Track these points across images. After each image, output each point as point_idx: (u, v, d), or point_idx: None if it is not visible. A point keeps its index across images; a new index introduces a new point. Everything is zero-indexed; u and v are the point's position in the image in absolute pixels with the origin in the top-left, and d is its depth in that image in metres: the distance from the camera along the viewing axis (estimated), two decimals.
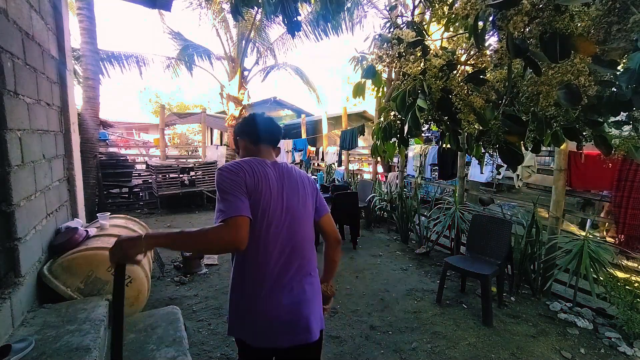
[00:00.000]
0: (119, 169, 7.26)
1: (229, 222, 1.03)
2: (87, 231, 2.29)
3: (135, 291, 2.25)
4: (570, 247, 2.94)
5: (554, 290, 3.29)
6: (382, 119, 1.86)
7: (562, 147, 2.95)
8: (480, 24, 1.08)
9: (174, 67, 8.76)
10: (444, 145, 4.75)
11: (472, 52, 1.45)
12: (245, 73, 8.64)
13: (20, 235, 1.69)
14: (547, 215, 3.39)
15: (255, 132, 1.32)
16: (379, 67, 1.67)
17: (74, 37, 4.23)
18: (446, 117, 1.50)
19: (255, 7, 4.98)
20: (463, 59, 1.48)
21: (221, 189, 1.10)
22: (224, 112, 9.42)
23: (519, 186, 4.12)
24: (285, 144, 9.45)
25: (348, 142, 7.00)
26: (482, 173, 4.70)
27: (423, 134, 4.74)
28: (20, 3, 1.82)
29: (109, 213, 2.85)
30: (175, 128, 18.73)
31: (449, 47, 1.54)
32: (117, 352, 1.11)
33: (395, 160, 6.61)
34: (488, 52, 1.34)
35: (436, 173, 5.36)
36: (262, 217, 1.14)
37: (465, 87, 1.35)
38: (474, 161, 4.77)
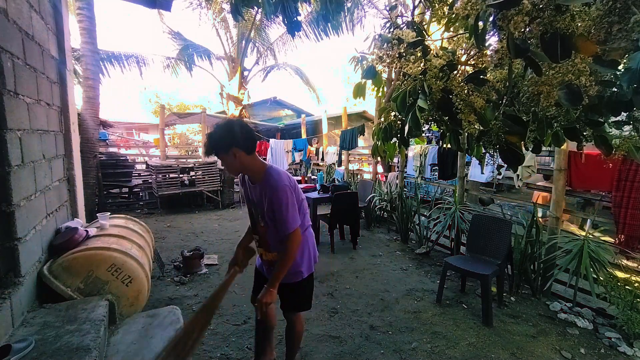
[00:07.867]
0: (119, 169, 7.25)
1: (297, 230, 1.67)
2: (87, 231, 2.30)
3: (135, 291, 2.25)
4: (570, 247, 2.93)
5: (554, 290, 3.29)
6: (382, 119, 1.86)
7: (562, 147, 2.95)
8: (481, 24, 1.08)
9: (174, 67, 8.73)
10: (445, 145, 4.75)
11: (472, 53, 1.45)
12: (245, 73, 8.61)
13: (20, 235, 1.69)
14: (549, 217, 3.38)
15: (252, 138, 1.63)
16: (379, 67, 1.66)
17: (74, 37, 4.23)
18: (447, 118, 1.50)
19: (255, 7, 4.98)
20: (463, 59, 1.48)
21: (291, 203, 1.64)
22: (224, 112, 9.40)
23: (519, 186, 4.12)
24: (285, 144, 9.45)
25: (348, 142, 6.99)
26: (482, 173, 4.70)
27: (424, 134, 4.74)
28: (20, 3, 1.82)
29: (109, 213, 2.85)
30: (175, 128, 18.67)
31: (449, 48, 1.54)
32: None
33: (395, 160, 6.60)
34: (488, 52, 1.34)
35: (436, 173, 5.35)
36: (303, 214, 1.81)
37: (466, 88, 1.35)
38: (474, 161, 4.77)
